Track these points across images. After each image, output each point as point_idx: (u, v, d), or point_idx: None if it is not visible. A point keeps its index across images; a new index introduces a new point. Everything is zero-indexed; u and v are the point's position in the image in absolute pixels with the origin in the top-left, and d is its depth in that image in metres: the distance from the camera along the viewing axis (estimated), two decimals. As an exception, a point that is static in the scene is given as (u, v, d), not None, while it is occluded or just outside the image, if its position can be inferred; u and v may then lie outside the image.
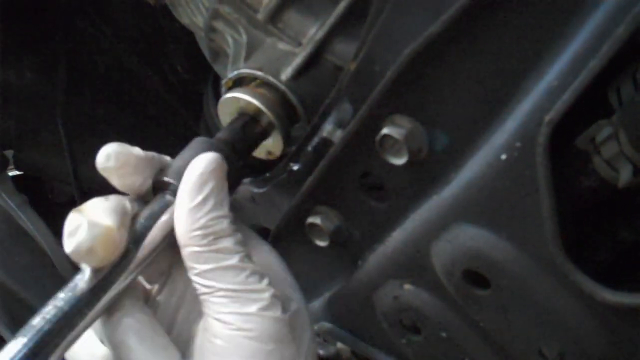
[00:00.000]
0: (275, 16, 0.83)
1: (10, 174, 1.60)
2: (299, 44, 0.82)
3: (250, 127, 0.78)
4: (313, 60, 0.81)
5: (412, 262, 0.69)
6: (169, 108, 1.53)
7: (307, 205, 0.75)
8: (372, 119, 0.65)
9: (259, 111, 0.79)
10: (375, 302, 0.74)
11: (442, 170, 0.64)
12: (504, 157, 0.58)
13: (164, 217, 0.61)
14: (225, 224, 0.58)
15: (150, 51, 1.47)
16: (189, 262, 0.58)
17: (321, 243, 0.75)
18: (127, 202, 0.60)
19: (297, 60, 0.81)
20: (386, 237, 0.71)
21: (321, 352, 0.86)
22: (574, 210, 0.62)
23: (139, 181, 0.62)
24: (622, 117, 0.54)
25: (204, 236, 0.57)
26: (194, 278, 0.58)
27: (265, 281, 0.58)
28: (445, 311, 0.69)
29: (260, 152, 0.83)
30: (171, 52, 1.43)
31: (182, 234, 0.58)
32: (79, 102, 1.52)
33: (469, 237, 0.62)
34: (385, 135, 0.63)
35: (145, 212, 0.61)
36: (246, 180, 0.87)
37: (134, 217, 0.61)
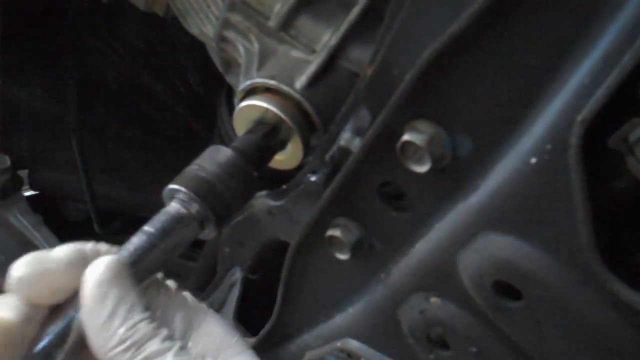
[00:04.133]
0: (287, 23, 0.81)
1: (25, 194, 1.61)
2: (313, 51, 0.80)
3: (267, 136, 0.77)
4: (328, 67, 0.80)
5: (438, 274, 0.66)
6: (182, 122, 1.53)
7: (326, 218, 0.73)
8: (392, 125, 0.62)
9: (277, 118, 0.78)
10: (401, 317, 0.72)
11: (467, 176, 0.61)
12: (533, 160, 0.55)
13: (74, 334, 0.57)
14: (144, 328, 0.54)
15: (161, 64, 1.47)
16: None
17: (342, 256, 0.73)
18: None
19: (311, 68, 0.79)
20: (410, 249, 0.68)
21: (345, 369, 0.84)
22: (607, 213, 0.59)
23: (61, 289, 0.56)
24: (658, 115, 0.51)
25: (126, 349, 0.53)
26: None
27: None
28: (475, 325, 0.66)
29: (278, 163, 0.82)
30: (183, 65, 1.42)
31: (101, 355, 0.54)
32: (91, 118, 1.52)
33: (498, 246, 0.60)
34: (406, 142, 0.60)
35: (62, 316, 0.57)
36: (262, 192, 0.85)
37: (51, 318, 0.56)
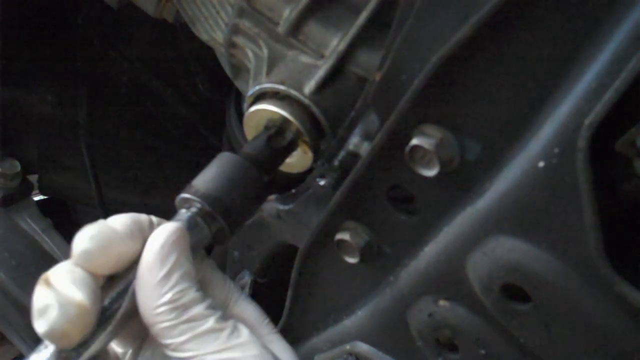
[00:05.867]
0: (296, 28, 0.81)
1: (35, 198, 1.61)
2: (322, 56, 0.80)
3: (277, 140, 0.77)
4: (336, 73, 0.80)
5: (447, 277, 0.66)
6: (191, 127, 1.53)
7: (335, 221, 0.73)
8: (400, 129, 0.62)
9: (286, 122, 0.78)
10: (409, 320, 0.72)
11: (475, 180, 0.61)
12: (541, 164, 0.55)
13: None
14: (192, 294, 0.56)
15: (170, 70, 1.47)
16: (161, 340, 0.55)
17: (351, 260, 0.73)
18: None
19: (320, 73, 0.79)
20: (418, 252, 0.68)
21: (354, 372, 0.84)
22: (615, 216, 0.59)
23: (122, 259, 0.58)
24: (665, 118, 0.51)
25: (172, 310, 0.55)
26: (172, 354, 0.55)
27: (246, 334, 0.57)
28: (484, 328, 0.66)
29: (288, 167, 0.82)
30: (192, 70, 1.42)
31: (147, 310, 0.55)
32: (101, 124, 1.53)
33: (507, 249, 0.60)
34: (414, 146, 0.61)
35: (120, 283, 0.58)
36: (272, 197, 0.85)
37: (107, 286, 0.58)
